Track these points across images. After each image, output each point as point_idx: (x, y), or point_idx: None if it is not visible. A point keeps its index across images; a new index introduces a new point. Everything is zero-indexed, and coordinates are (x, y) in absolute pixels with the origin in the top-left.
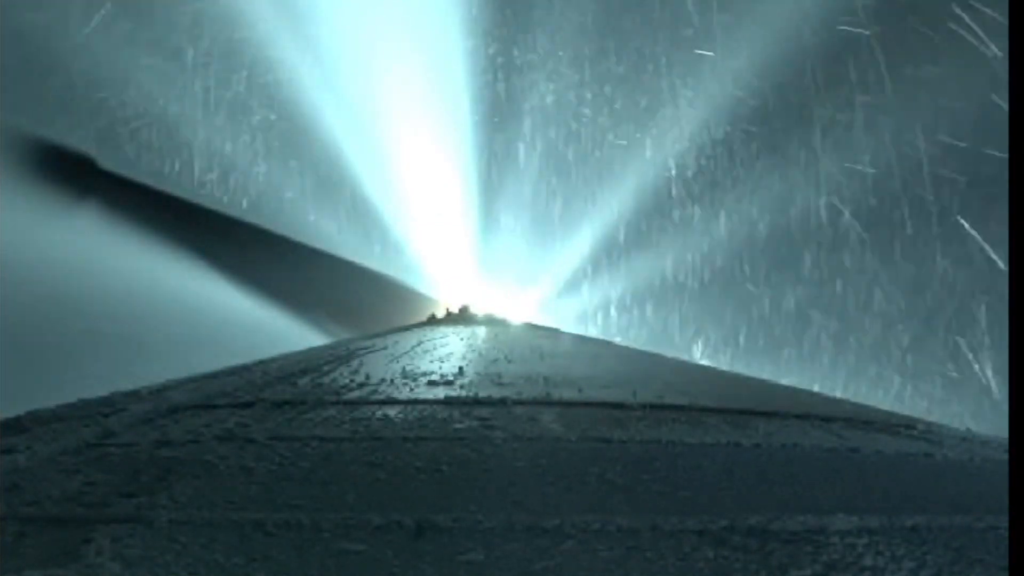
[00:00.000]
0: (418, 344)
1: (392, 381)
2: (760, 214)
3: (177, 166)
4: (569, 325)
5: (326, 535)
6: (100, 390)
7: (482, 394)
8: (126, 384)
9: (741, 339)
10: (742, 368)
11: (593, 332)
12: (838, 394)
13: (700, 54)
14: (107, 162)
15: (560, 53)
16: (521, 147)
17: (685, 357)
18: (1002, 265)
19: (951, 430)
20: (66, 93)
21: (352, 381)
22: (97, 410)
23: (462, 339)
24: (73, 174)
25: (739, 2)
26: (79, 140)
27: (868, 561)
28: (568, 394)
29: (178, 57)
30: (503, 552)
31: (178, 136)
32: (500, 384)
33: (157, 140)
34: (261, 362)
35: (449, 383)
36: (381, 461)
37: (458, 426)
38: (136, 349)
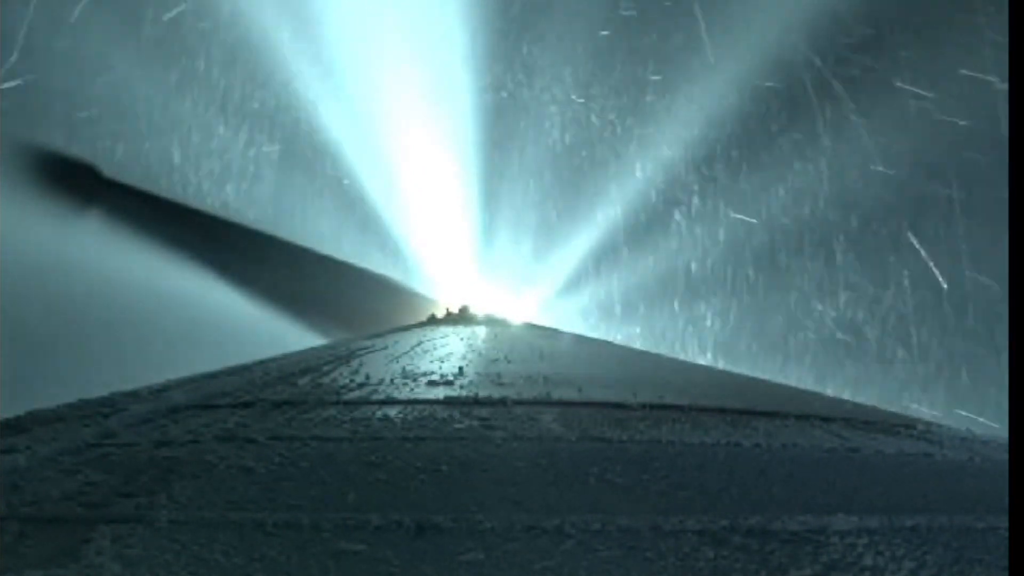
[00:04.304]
0: (418, 344)
1: (392, 381)
2: (767, 216)
3: (179, 172)
4: (569, 325)
5: (326, 535)
6: (100, 390)
7: (482, 394)
8: (126, 384)
9: (742, 340)
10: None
11: (593, 332)
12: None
13: (701, 59)
14: (110, 170)
15: (563, 55)
16: (522, 147)
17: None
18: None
19: (951, 430)
20: (69, 101)
21: (352, 381)
22: (97, 410)
23: (462, 339)
24: (77, 183)
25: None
26: (82, 149)
27: (868, 561)
28: (568, 394)
29: (181, 63)
30: (503, 552)
31: (180, 142)
32: (500, 384)
33: (159, 147)
34: (261, 362)
35: (449, 383)
36: (381, 461)
37: (458, 426)
38: (137, 350)
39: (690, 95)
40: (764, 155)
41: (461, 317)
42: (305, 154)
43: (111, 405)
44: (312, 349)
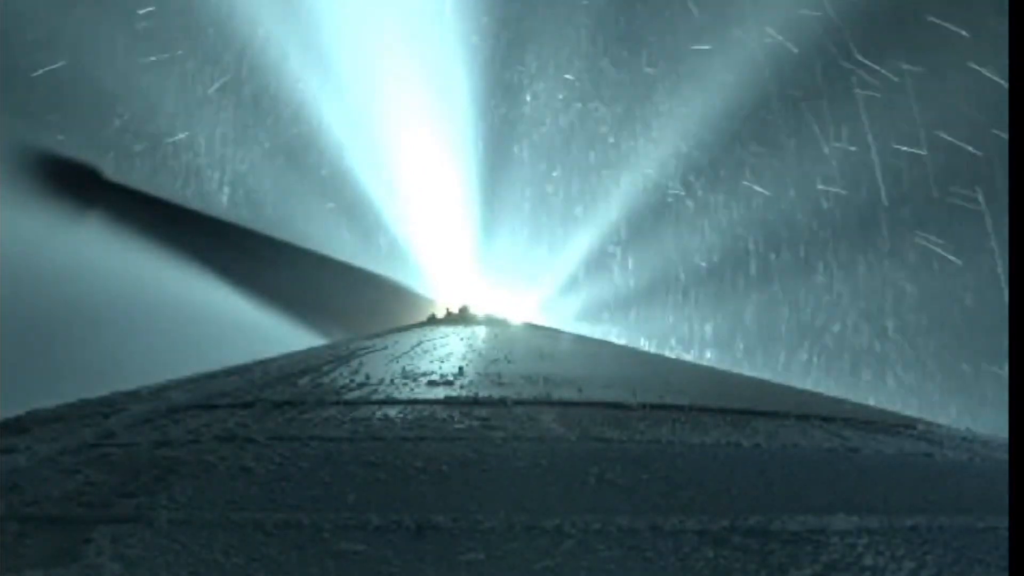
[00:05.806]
0: (418, 344)
1: (392, 381)
2: (762, 212)
3: (180, 174)
4: (569, 325)
5: (326, 535)
6: (100, 390)
7: (482, 394)
8: (126, 384)
9: (741, 341)
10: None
11: (593, 332)
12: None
13: (697, 50)
14: (113, 173)
15: (563, 53)
16: (521, 147)
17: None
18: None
19: (951, 430)
20: (72, 103)
21: (352, 381)
22: (97, 410)
23: (462, 339)
24: (79, 185)
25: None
26: (85, 151)
27: (868, 561)
28: (568, 394)
29: (182, 65)
30: (503, 552)
31: (181, 145)
32: (500, 384)
33: (161, 149)
34: (261, 362)
35: (449, 383)
36: (381, 461)
37: (458, 426)
38: (137, 350)
39: None
40: None
41: (461, 317)
42: (306, 154)
43: (111, 405)
44: (312, 349)
